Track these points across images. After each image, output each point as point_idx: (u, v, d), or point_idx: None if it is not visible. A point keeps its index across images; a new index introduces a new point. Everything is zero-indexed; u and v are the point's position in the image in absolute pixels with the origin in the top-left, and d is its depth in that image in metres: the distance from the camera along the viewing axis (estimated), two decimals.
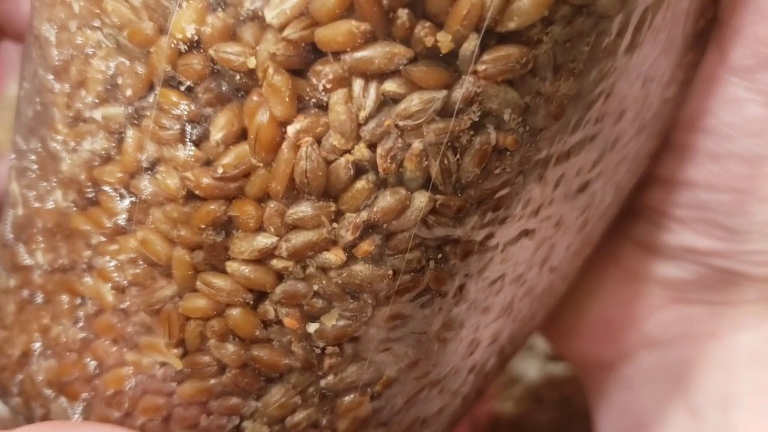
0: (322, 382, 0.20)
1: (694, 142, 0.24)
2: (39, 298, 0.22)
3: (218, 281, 0.19)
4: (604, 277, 0.27)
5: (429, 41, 0.16)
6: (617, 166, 0.22)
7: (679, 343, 0.27)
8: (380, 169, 0.17)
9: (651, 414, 0.27)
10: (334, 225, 0.18)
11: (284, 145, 0.17)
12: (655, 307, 0.27)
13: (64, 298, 0.21)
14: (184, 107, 0.18)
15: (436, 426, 0.23)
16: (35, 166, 0.21)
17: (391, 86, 0.17)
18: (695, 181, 0.24)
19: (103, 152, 0.19)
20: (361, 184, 0.18)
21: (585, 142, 0.20)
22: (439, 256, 0.19)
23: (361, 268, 0.18)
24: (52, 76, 0.20)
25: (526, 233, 0.20)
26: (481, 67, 0.17)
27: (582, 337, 0.29)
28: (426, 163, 0.17)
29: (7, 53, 0.41)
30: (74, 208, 0.20)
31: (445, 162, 0.17)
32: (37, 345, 0.22)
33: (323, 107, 0.17)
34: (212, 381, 0.20)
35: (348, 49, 0.17)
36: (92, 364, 0.21)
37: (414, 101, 0.17)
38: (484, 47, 0.17)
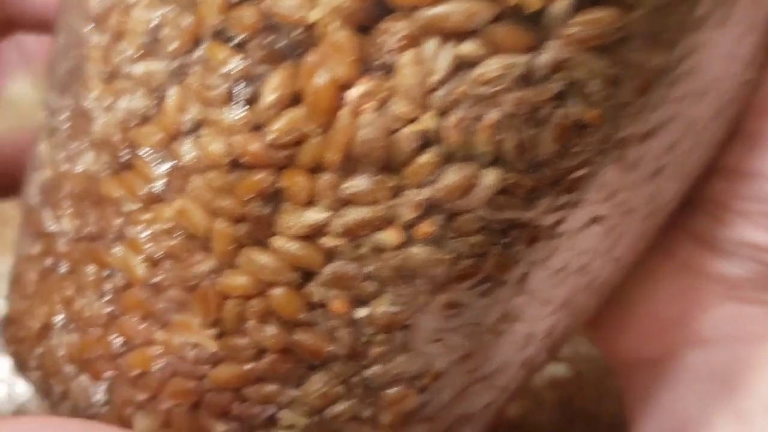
0: (367, 372, 0.19)
1: (765, 131, 0.22)
2: (63, 268, 0.21)
3: (262, 258, 0.18)
4: (656, 271, 0.26)
5: None
6: (688, 153, 0.21)
7: (731, 343, 0.26)
8: (448, 142, 0.16)
9: (695, 416, 0.26)
10: (393, 202, 0.17)
11: (343, 111, 0.16)
12: (708, 304, 0.26)
13: (90, 268, 0.20)
14: (233, 65, 0.17)
15: (479, 423, 0.22)
16: (66, 125, 0.20)
17: (467, 48, 0.16)
18: (762, 171, 0.23)
19: (141, 111, 0.18)
20: (425, 157, 0.16)
21: (664, 124, 0.19)
22: (504, 240, 0.18)
23: (418, 251, 0.17)
24: (88, 28, 0.19)
25: (596, 220, 0.19)
26: (571, 30, 0.15)
27: (628, 332, 0.27)
28: (499, 136, 0.16)
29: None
30: (106, 172, 0.19)
31: (522, 136, 0.16)
32: (59, 318, 0.21)
33: (389, 70, 0.16)
34: (249, 366, 0.19)
35: (422, 5, 0.15)
36: (118, 342, 0.20)
37: (492, 66, 0.16)
38: (576, 8, 0.15)
